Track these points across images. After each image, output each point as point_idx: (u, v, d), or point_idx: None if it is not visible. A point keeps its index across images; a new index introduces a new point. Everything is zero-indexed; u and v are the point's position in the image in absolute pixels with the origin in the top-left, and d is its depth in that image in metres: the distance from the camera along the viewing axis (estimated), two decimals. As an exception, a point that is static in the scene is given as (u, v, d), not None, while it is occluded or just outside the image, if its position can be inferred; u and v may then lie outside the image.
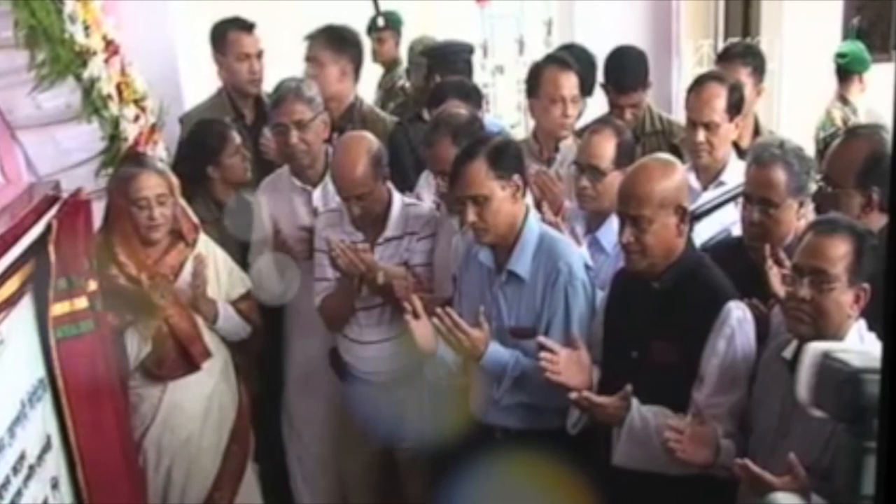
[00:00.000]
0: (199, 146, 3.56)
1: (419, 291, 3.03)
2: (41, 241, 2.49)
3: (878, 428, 1.16)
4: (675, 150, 3.43)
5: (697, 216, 2.90)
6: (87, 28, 3.31)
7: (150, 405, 3.14)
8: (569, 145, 3.48)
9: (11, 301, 2.32)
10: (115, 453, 2.72)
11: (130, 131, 3.50)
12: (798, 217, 2.62)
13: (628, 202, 2.48)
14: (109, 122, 3.41)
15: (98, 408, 2.65)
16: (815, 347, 1.48)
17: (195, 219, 3.28)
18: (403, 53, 5.28)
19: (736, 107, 3.21)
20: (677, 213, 2.47)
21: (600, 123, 3.20)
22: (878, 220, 2.45)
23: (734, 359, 2.39)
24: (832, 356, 1.41)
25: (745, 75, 3.55)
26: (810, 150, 3.85)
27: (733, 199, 2.99)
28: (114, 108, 3.42)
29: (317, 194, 3.45)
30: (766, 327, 2.47)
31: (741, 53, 3.75)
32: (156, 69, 3.87)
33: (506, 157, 2.72)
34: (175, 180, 3.13)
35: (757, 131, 3.63)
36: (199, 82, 4.23)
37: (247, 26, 3.92)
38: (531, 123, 3.78)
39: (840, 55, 5.31)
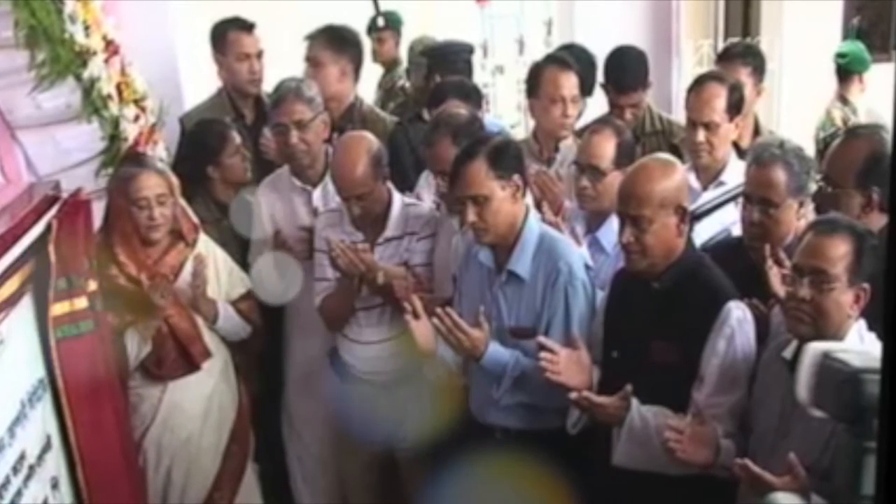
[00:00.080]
0: (199, 146, 3.56)
1: (419, 291, 3.03)
2: (41, 241, 2.49)
3: (878, 428, 1.16)
4: (675, 150, 3.43)
5: (697, 216, 2.89)
6: (87, 28, 3.31)
7: (150, 405, 3.14)
8: (569, 145, 3.48)
9: (11, 301, 2.32)
10: (115, 453, 2.72)
11: (130, 131, 3.50)
12: (798, 217, 2.62)
13: (628, 202, 2.48)
14: (109, 122, 3.41)
15: (98, 408, 2.65)
16: (815, 347, 1.48)
17: (195, 219, 3.29)
18: (403, 53, 5.28)
19: (736, 107, 3.21)
20: (677, 213, 2.47)
21: (600, 123, 3.20)
22: (878, 220, 2.45)
23: (734, 359, 2.39)
24: (832, 356, 1.41)
25: (745, 75, 3.55)
26: (810, 150, 3.85)
27: (733, 199, 2.99)
28: (114, 108, 3.42)
29: (317, 194, 3.45)
30: (766, 327, 2.47)
31: (741, 53, 3.75)
32: (156, 69, 3.87)
33: (506, 157, 2.72)
34: (175, 180, 3.13)
35: (757, 131, 3.63)
36: (199, 82, 4.23)
37: (247, 26, 3.92)
38: (531, 123, 3.78)
39: (840, 55, 5.31)
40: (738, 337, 2.39)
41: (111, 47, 3.47)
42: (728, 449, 2.31)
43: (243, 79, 3.91)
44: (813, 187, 2.65)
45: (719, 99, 3.18)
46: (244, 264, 3.47)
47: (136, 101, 3.59)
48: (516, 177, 2.72)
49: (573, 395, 2.48)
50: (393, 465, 3.42)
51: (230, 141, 3.53)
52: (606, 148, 2.97)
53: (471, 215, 2.69)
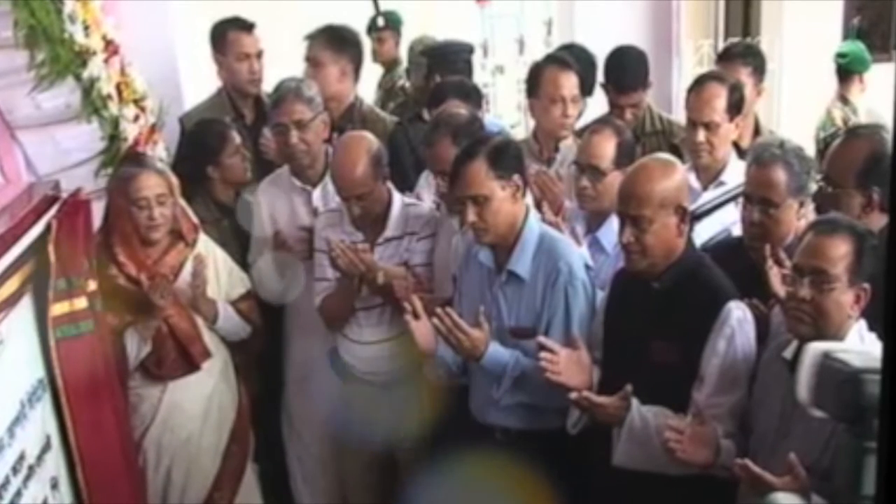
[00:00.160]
0: (199, 146, 3.56)
1: (419, 291, 3.03)
2: (41, 241, 2.49)
3: (879, 428, 1.16)
4: (675, 150, 3.43)
5: (697, 216, 2.89)
6: (86, 28, 3.31)
7: (149, 405, 3.14)
8: (569, 145, 3.48)
9: (11, 301, 2.32)
10: (115, 453, 2.72)
11: (130, 131, 3.50)
12: (798, 217, 2.61)
13: (628, 202, 2.48)
14: (109, 122, 3.41)
15: (98, 408, 2.65)
16: (816, 347, 1.48)
17: (195, 219, 3.28)
18: (403, 53, 5.28)
19: (736, 107, 3.21)
20: (677, 213, 2.47)
21: (600, 123, 3.20)
22: (878, 220, 2.45)
23: (734, 359, 2.39)
24: (832, 356, 1.40)
25: (745, 75, 3.55)
26: (810, 150, 3.85)
27: (733, 199, 2.99)
28: (113, 108, 3.42)
29: (317, 194, 3.45)
30: (766, 327, 2.46)
31: (741, 53, 3.75)
32: (156, 69, 3.87)
33: (506, 157, 2.71)
34: (175, 180, 3.13)
35: (757, 131, 3.62)
36: (199, 82, 4.23)
37: (247, 26, 3.92)
38: (531, 123, 3.78)
39: (840, 55, 5.31)
40: (738, 337, 2.39)
41: (111, 47, 3.47)
42: (728, 449, 2.31)
43: (243, 79, 3.91)
44: (813, 187, 2.64)
45: (719, 99, 3.18)
46: (244, 264, 3.47)
47: (135, 101, 3.59)
48: (516, 177, 2.72)
49: (573, 395, 2.48)
50: (393, 465, 3.42)
51: (230, 141, 3.53)
52: (606, 148, 2.97)
53: (471, 215, 2.68)
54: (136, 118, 3.56)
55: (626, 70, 3.80)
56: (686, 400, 2.39)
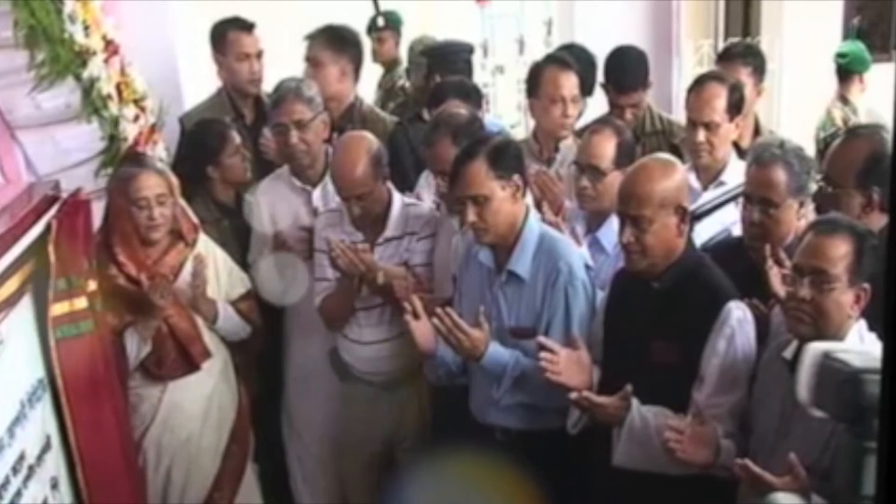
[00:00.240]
0: (199, 146, 3.56)
1: (419, 291, 3.03)
2: (41, 241, 2.49)
3: (879, 428, 1.16)
4: (676, 150, 3.43)
5: (698, 216, 2.89)
6: (86, 28, 3.31)
7: (149, 405, 3.14)
8: (569, 145, 3.48)
9: (11, 301, 2.32)
10: (115, 453, 2.72)
11: (130, 131, 3.50)
12: (798, 217, 2.61)
13: (628, 202, 2.48)
14: (109, 122, 3.41)
15: (98, 408, 2.65)
16: (816, 347, 1.48)
17: (195, 219, 3.28)
18: (403, 53, 5.28)
19: (736, 107, 3.21)
20: (677, 213, 2.47)
21: (600, 123, 3.20)
22: (878, 220, 2.45)
23: (734, 359, 2.39)
24: (832, 356, 1.40)
25: (745, 75, 3.55)
26: (810, 150, 3.85)
27: (733, 199, 2.99)
28: (113, 108, 3.42)
29: (317, 194, 3.45)
30: (766, 327, 2.46)
31: (741, 53, 3.75)
32: (156, 69, 3.87)
33: (506, 157, 2.71)
34: (175, 180, 3.13)
35: (757, 131, 3.62)
36: (199, 82, 4.22)
37: (247, 26, 3.92)
38: (531, 123, 3.78)
39: (840, 55, 5.30)
40: (738, 337, 2.39)
41: (111, 47, 3.47)
42: (728, 449, 2.31)
43: (243, 79, 3.91)
44: (813, 187, 2.64)
45: (719, 99, 3.18)
46: (244, 264, 3.47)
47: (135, 101, 3.59)
48: (516, 177, 2.72)
49: (573, 395, 2.48)
50: (393, 465, 3.42)
51: (230, 141, 3.53)
52: (606, 148, 2.97)
53: (471, 215, 2.68)
54: (136, 118, 3.56)
55: (626, 70, 3.80)
56: (686, 400, 2.39)
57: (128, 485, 2.81)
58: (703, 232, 2.90)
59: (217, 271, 3.27)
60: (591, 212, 3.03)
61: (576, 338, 2.64)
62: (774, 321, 2.45)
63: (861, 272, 2.14)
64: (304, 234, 3.40)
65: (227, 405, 3.27)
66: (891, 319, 1.06)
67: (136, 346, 3.05)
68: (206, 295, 3.16)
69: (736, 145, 3.33)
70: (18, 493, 2.26)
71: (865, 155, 2.55)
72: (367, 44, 4.58)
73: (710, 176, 3.24)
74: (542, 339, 2.62)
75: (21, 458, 2.30)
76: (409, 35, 5.40)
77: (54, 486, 2.52)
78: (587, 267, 2.78)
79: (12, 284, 2.32)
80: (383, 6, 5.58)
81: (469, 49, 4.39)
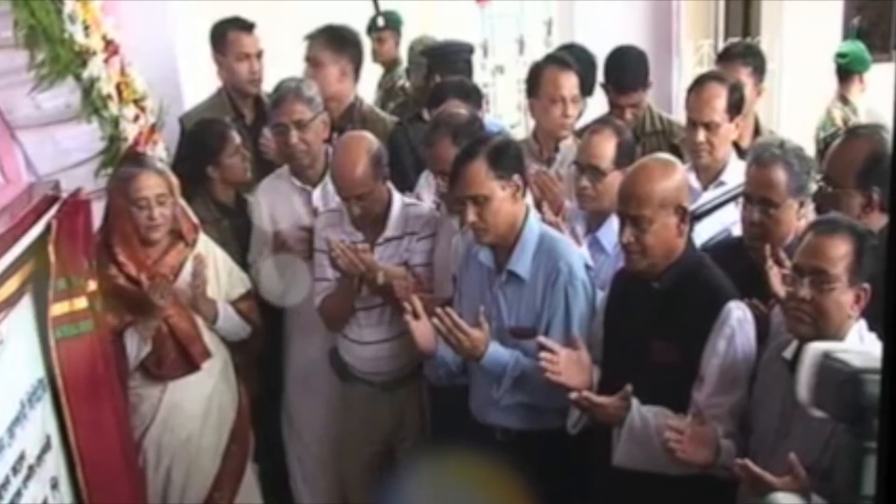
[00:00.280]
0: (199, 146, 3.56)
1: (419, 291, 3.03)
2: (41, 241, 2.49)
3: (879, 428, 1.16)
4: (676, 150, 3.43)
5: (698, 216, 2.89)
6: (86, 28, 3.31)
7: (149, 405, 3.14)
8: (569, 145, 3.48)
9: (11, 301, 2.32)
10: (115, 453, 2.72)
11: (130, 131, 3.50)
12: (798, 217, 2.61)
13: (628, 202, 2.47)
14: (109, 122, 3.41)
15: (98, 408, 2.65)
16: (816, 347, 1.48)
17: (195, 219, 3.28)
18: (403, 53, 5.28)
19: (736, 107, 3.21)
20: (677, 213, 2.46)
21: (600, 123, 3.20)
22: (878, 220, 2.45)
23: (734, 359, 2.38)
24: (832, 356, 1.40)
25: (745, 75, 3.55)
26: (810, 150, 3.85)
27: (733, 199, 2.99)
28: (113, 108, 3.42)
29: (317, 194, 3.45)
30: (766, 327, 2.46)
31: (741, 53, 3.75)
32: (156, 69, 3.87)
33: (506, 157, 2.71)
34: (175, 180, 3.13)
35: (757, 131, 3.62)
36: (199, 82, 4.22)
37: (247, 26, 3.92)
38: (531, 123, 3.78)
39: (840, 55, 5.30)
40: (738, 337, 2.39)
41: (111, 47, 3.47)
42: (728, 449, 2.31)
43: (243, 79, 3.91)
44: (813, 187, 2.64)
45: (719, 99, 3.18)
46: (244, 264, 3.47)
47: (135, 101, 3.59)
48: (516, 177, 2.72)
49: (573, 395, 2.48)
50: (393, 466, 3.42)
51: (230, 141, 3.53)
52: (606, 148, 2.96)
53: (471, 215, 2.68)
54: (136, 118, 3.56)
55: (626, 70, 3.80)
56: (686, 400, 2.39)
57: (128, 485, 2.81)
58: (703, 232, 2.90)
59: (217, 271, 3.27)
60: (591, 212, 3.03)
61: (576, 338, 2.64)
62: (774, 321, 2.45)
63: (861, 272, 2.14)
64: (304, 234, 3.40)
65: (227, 405, 3.27)
66: (891, 319, 1.06)
67: (136, 346, 3.05)
68: (206, 295, 3.16)
69: (736, 145, 3.33)
70: (18, 493, 2.26)
71: (865, 155, 2.55)
72: (367, 44, 4.58)
73: (710, 176, 3.24)
74: (542, 339, 2.62)
75: (21, 458, 2.30)
76: (409, 35, 5.40)
77: (54, 486, 2.52)
78: (587, 267, 2.78)
79: (12, 284, 2.32)
80: (383, 6, 5.57)
81: (469, 49, 4.39)
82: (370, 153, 3.07)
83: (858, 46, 5.39)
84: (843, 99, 5.24)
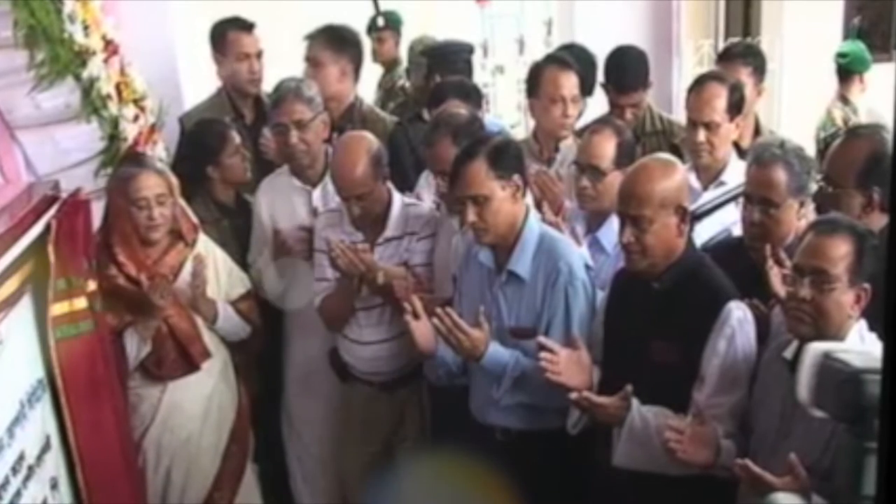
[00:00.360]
0: (198, 146, 3.56)
1: (419, 291, 3.03)
2: (40, 241, 2.48)
3: (879, 428, 1.15)
4: (676, 150, 3.43)
5: (698, 216, 2.89)
6: (86, 28, 3.31)
7: (149, 405, 3.13)
8: (569, 145, 3.48)
9: (11, 301, 2.32)
10: (115, 453, 2.72)
11: (130, 131, 3.50)
12: (799, 217, 2.61)
13: (629, 202, 2.47)
14: (109, 122, 3.41)
15: (97, 408, 2.65)
16: (816, 348, 1.48)
17: (195, 219, 3.28)
18: (403, 53, 5.28)
19: (736, 107, 3.21)
20: (678, 213, 2.46)
21: (600, 123, 3.19)
22: (878, 220, 2.44)
23: (735, 359, 2.38)
24: (833, 356, 1.40)
25: (745, 75, 3.55)
26: (811, 150, 3.85)
27: (734, 199, 2.98)
28: (113, 107, 3.42)
29: (317, 194, 3.45)
30: (766, 327, 2.46)
31: (742, 53, 3.75)
32: (156, 69, 3.87)
33: (506, 157, 2.71)
34: (175, 180, 3.13)
35: (757, 131, 3.62)
36: (199, 82, 4.23)
37: (247, 26, 3.92)
38: (531, 123, 3.78)
39: (841, 55, 5.30)
40: (738, 337, 2.39)
41: (110, 47, 3.47)
42: (728, 449, 2.31)
43: (243, 79, 3.91)
44: (813, 187, 2.64)
45: (720, 99, 3.17)
46: (244, 264, 3.47)
47: (135, 101, 3.59)
48: (516, 177, 2.72)
49: (573, 395, 2.48)
50: (393, 466, 3.42)
51: (230, 141, 3.53)
52: (606, 148, 2.96)
53: (471, 215, 2.68)
54: (136, 118, 3.56)
55: (626, 70, 3.80)
56: (686, 400, 2.39)
57: (128, 485, 2.81)
58: (703, 232, 2.90)
59: (217, 271, 3.26)
60: (591, 212, 3.03)
61: (576, 338, 2.63)
62: (775, 321, 2.45)
63: (861, 272, 2.14)
64: (304, 234, 3.40)
65: (227, 405, 3.27)
66: (891, 319, 1.06)
67: (135, 346, 3.05)
68: (205, 295, 3.16)
69: (736, 145, 3.33)
70: (18, 494, 2.26)
71: (866, 155, 2.55)
72: (367, 44, 4.58)
73: (710, 176, 3.24)
74: (542, 339, 2.62)
75: (21, 458, 2.30)
76: (409, 35, 5.40)
77: (54, 486, 2.51)
78: (587, 267, 2.77)
79: (12, 284, 2.32)
80: (383, 6, 5.57)
81: (469, 49, 4.39)
82: (370, 153, 3.07)
83: (859, 46, 5.39)
84: (844, 99, 5.24)
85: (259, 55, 3.92)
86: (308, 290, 3.30)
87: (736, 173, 3.06)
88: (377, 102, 4.89)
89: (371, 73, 5.02)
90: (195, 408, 3.19)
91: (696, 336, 2.41)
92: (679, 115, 3.95)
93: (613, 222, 2.75)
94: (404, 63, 5.17)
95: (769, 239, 2.57)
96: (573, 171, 3.09)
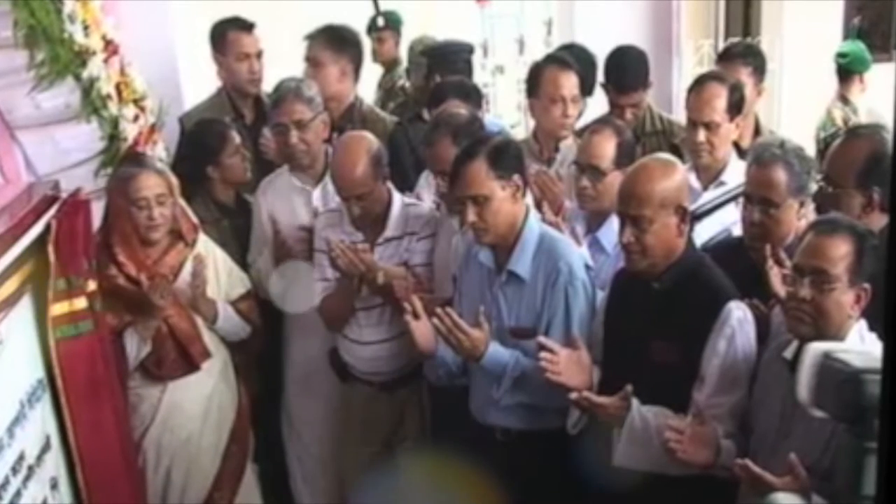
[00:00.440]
0: (198, 146, 3.56)
1: (419, 291, 3.03)
2: (40, 241, 2.49)
3: (879, 428, 1.15)
4: (676, 150, 3.43)
5: (698, 216, 2.89)
6: (86, 28, 3.31)
7: (149, 405, 3.13)
8: (569, 145, 3.48)
9: (11, 301, 2.32)
10: (115, 453, 2.72)
11: (130, 131, 3.50)
12: (799, 217, 2.61)
13: (629, 202, 2.47)
14: (109, 122, 3.41)
15: (97, 408, 2.65)
16: (816, 348, 1.48)
17: (195, 219, 3.28)
18: (403, 53, 5.28)
19: (736, 107, 3.21)
20: (678, 213, 2.46)
21: (600, 123, 3.19)
22: (878, 220, 2.44)
23: (735, 359, 2.38)
24: (833, 356, 1.40)
25: (745, 75, 3.55)
26: (811, 150, 3.85)
27: (734, 199, 2.98)
28: (113, 107, 3.42)
29: (316, 194, 3.45)
30: (766, 327, 2.46)
31: (742, 53, 3.75)
32: (156, 69, 3.87)
33: (506, 157, 2.71)
34: (175, 180, 3.13)
35: (757, 131, 3.62)
36: (199, 82, 4.23)
37: (247, 26, 3.92)
38: (531, 123, 3.78)
39: (841, 55, 5.30)
40: (738, 337, 2.39)
41: (110, 47, 3.47)
42: (728, 449, 2.30)
43: (243, 79, 3.91)
44: (813, 187, 2.64)
45: (720, 99, 3.17)
46: (244, 264, 3.47)
47: (135, 101, 3.59)
48: (516, 177, 2.72)
49: (573, 395, 2.48)
50: (393, 466, 3.42)
51: (230, 141, 3.53)
52: (606, 148, 2.96)
53: (471, 215, 2.68)
54: (136, 118, 3.56)
55: (626, 70, 3.80)
56: (686, 400, 2.39)
57: (128, 485, 2.81)
58: (703, 232, 2.90)
59: (217, 271, 3.26)
60: (591, 212, 3.03)
61: (576, 338, 2.63)
62: (775, 321, 2.45)
63: (861, 272, 2.14)
64: (304, 234, 3.40)
65: (227, 405, 3.27)
66: (891, 319, 1.06)
67: (135, 346, 3.05)
68: (205, 295, 3.16)
69: (736, 145, 3.33)
70: (18, 494, 2.26)
71: (866, 155, 2.55)
72: (367, 44, 4.58)
73: (710, 176, 3.24)
74: (542, 339, 2.62)
75: (21, 458, 2.30)
76: (409, 35, 5.40)
77: (54, 486, 2.51)
78: (587, 267, 2.77)
79: (12, 284, 2.32)
80: (383, 6, 5.57)
81: (469, 49, 4.39)
82: (370, 153, 3.07)
83: (859, 46, 5.39)
84: (844, 99, 5.24)
85: (259, 55, 3.92)
86: (308, 291, 3.30)
87: (736, 173, 3.06)
88: (377, 102, 4.89)
89: (371, 73, 5.02)
90: (195, 408, 3.18)
91: (696, 336, 2.41)
92: (679, 115, 3.95)
93: (613, 222, 2.75)
94: (404, 63, 5.17)
95: (769, 239, 2.57)
96: (573, 171, 3.09)
